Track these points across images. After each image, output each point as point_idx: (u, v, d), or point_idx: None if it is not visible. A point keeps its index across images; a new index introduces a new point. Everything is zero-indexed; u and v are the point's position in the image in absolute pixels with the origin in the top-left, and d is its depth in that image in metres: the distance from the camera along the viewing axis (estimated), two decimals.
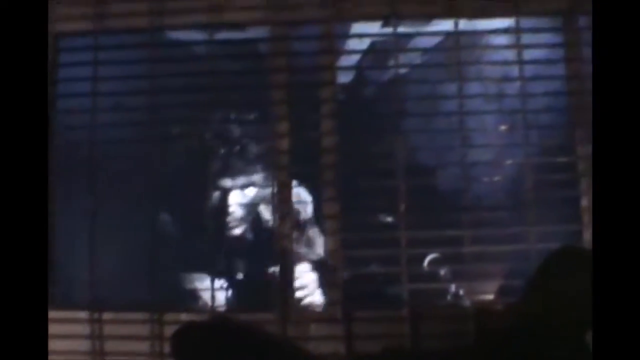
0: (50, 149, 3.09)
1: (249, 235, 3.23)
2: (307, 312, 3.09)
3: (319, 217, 3.18)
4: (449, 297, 3.10)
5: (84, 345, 3.06)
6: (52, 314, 3.08)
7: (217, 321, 2.96)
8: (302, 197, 3.53)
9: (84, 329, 3.07)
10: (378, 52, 3.44)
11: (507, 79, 3.20)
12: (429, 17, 3.21)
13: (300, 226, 3.25)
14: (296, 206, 3.16)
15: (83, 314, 3.09)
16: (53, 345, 2.38)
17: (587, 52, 3.04)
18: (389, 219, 3.22)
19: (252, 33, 3.34)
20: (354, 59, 3.45)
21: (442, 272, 3.18)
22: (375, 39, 3.35)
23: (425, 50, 3.33)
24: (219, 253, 3.11)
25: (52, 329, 3.06)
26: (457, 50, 3.13)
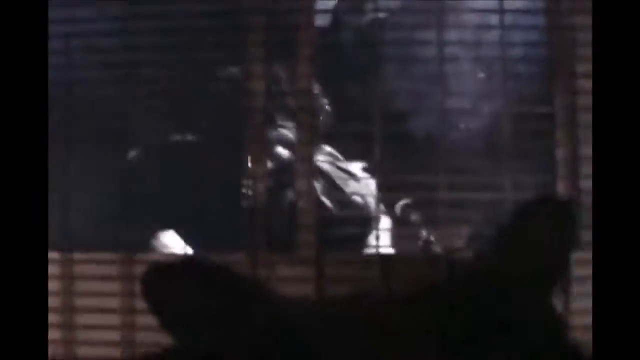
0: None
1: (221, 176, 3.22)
2: (277, 254, 3.07)
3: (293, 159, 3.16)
4: (420, 242, 3.09)
5: (54, 285, 3.04)
6: None
7: (186, 261, 2.95)
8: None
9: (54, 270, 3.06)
10: None
11: (486, 26, 3.18)
12: None
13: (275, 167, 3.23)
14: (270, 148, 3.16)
15: (54, 255, 3.08)
16: None
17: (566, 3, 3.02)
18: (364, 164, 3.22)
19: None
20: (331, 2, 3.41)
21: (414, 217, 3.17)
22: None
23: None
24: (191, 193, 3.10)
25: None
26: None
